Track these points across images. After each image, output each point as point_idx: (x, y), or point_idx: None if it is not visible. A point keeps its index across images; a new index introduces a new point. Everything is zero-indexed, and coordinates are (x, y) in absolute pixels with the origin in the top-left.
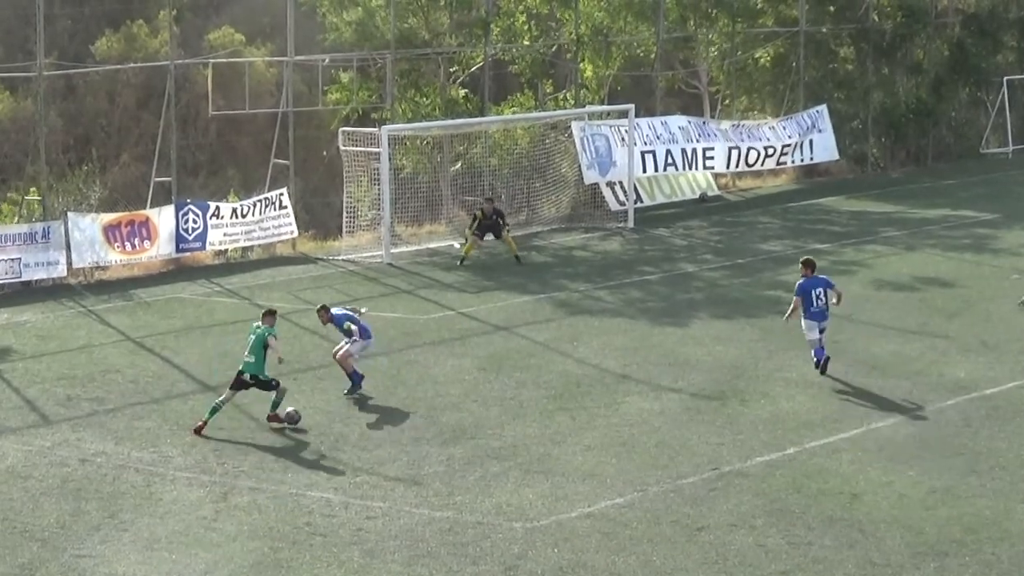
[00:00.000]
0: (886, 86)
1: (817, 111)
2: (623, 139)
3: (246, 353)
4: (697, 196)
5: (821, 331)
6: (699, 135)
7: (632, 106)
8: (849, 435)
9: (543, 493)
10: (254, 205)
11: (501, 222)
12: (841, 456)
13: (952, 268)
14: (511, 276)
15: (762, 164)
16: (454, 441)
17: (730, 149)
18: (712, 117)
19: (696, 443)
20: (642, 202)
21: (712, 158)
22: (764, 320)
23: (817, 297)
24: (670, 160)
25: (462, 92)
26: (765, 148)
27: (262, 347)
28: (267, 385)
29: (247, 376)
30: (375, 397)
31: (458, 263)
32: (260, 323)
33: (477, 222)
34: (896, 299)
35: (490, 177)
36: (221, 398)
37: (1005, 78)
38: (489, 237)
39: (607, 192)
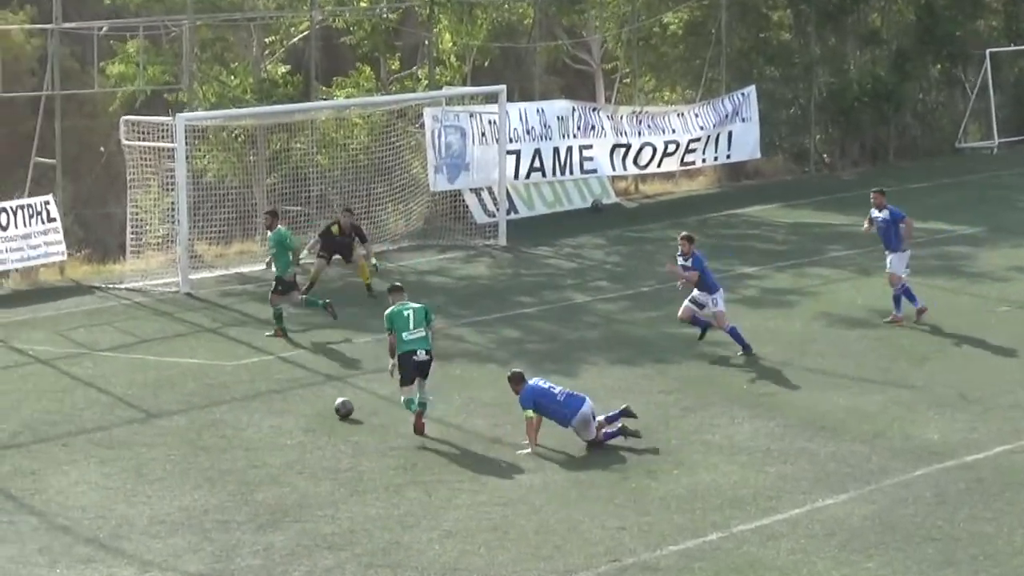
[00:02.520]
0: (833, 61)
1: (742, 94)
2: (484, 132)
3: (411, 328)
4: (589, 204)
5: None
6: (580, 127)
7: (503, 87)
8: (789, 516)
9: None
10: (13, 214)
11: (357, 240)
12: (779, 543)
13: (921, 298)
14: (349, 308)
15: (658, 165)
16: (273, 525)
17: (614, 147)
18: (608, 102)
19: (589, 527)
20: (517, 212)
21: (591, 159)
22: (677, 366)
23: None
24: (536, 164)
25: (281, 70)
26: (665, 144)
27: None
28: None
29: (422, 353)
30: (169, 467)
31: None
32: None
33: (322, 241)
34: (849, 338)
35: (318, 181)
36: (407, 397)
37: (988, 50)
38: (337, 258)
39: (471, 199)
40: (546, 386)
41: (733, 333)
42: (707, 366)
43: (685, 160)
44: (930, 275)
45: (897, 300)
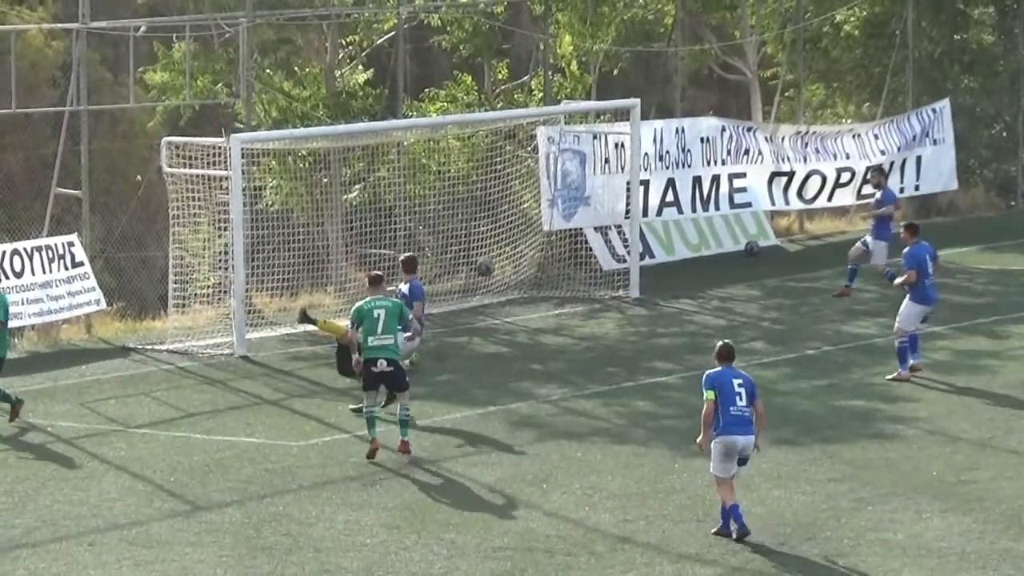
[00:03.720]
0: None
1: (933, 110)
2: (607, 159)
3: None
4: (743, 247)
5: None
6: (731, 151)
7: (637, 101)
8: None
9: None
10: (29, 257)
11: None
12: None
13: None
14: (439, 376)
15: (829, 198)
16: None
17: (773, 175)
18: (767, 119)
19: None
20: (653, 257)
21: (744, 190)
22: (850, 447)
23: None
24: (669, 197)
25: (361, 78)
26: (837, 172)
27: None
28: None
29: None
30: (220, 572)
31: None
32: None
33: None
34: None
35: (406, 216)
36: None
37: None
38: None
39: (596, 241)
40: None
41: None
42: (887, 447)
43: (863, 193)
44: None
45: None
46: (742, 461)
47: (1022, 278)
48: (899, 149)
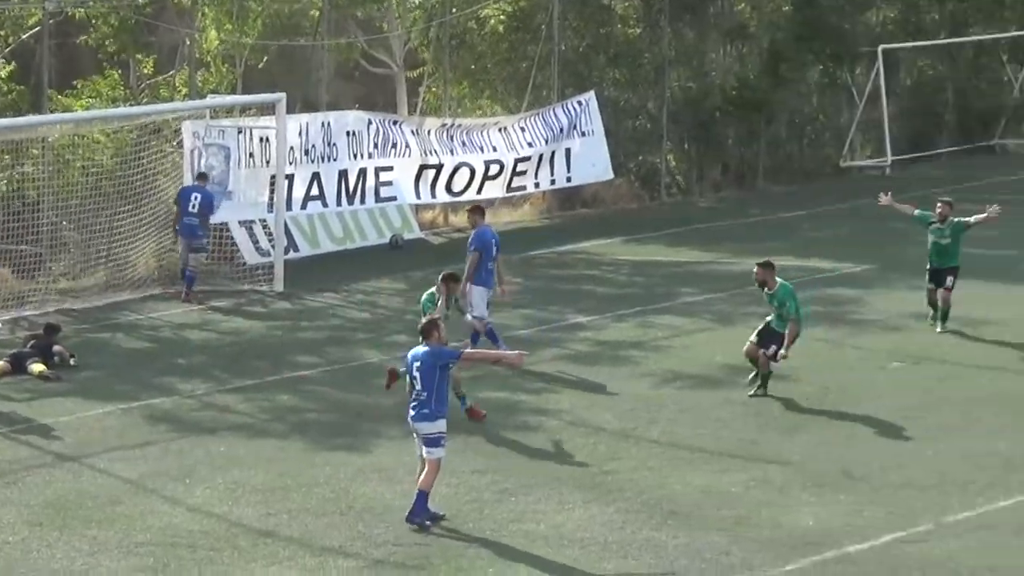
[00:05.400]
0: (691, 62)
1: (579, 103)
2: (252, 153)
3: None
4: (388, 241)
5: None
6: (378, 145)
7: (283, 96)
8: None
9: None
10: None
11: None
12: None
13: (796, 352)
14: (83, 372)
15: (479, 191)
16: None
17: (421, 168)
18: (413, 113)
19: None
20: (298, 251)
21: (390, 184)
22: (494, 439)
23: None
24: (314, 191)
25: (4, 72)
26: (486, 165)
27: None
28: None
29: None
30: None
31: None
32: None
33: None
34: (706, 404)
35: (51, 211)
36: None
37: (881, 47)
38: None
39: (240, 235)
40: None
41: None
42: (530, 438)
43: (513, 185)
44: (809, 324)
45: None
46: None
47: (665, 270)
48: (547, 142)
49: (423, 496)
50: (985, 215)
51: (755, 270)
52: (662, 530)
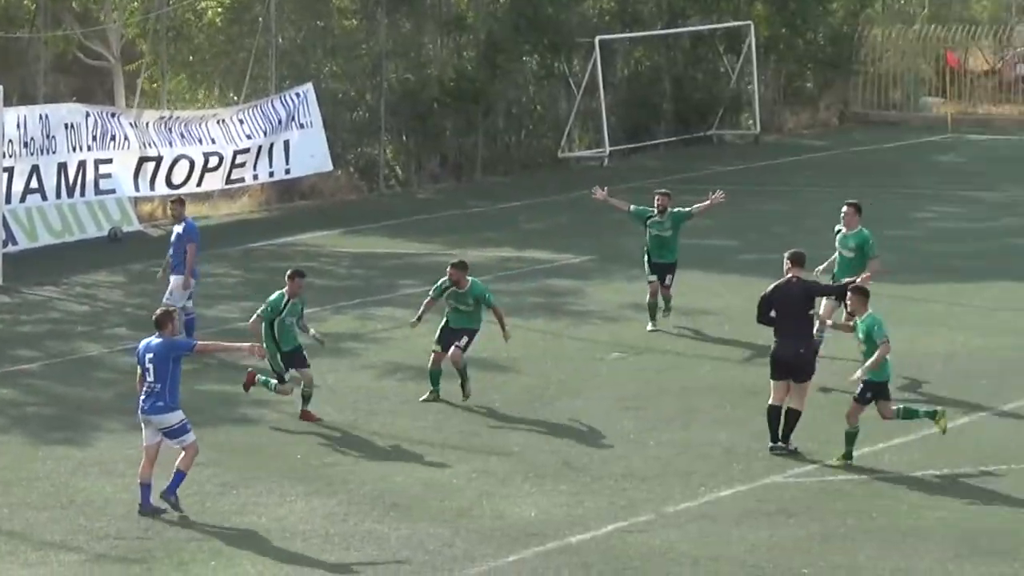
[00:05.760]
0: (408, 53)
1: (297, 95)
2: None
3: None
4: (107, 233)
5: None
6: (96, 138)
7: None
8: None
9: None
10: None
11: None
12: None
13: (514, 343)
14: None
15: (198, 183)
16: None
17: (141, 161)
18: (130, 106)
19: None
20: (16, 244)
21: (109, 176)
22: (214, 431)
23: None
24: (34, 184)
25: None
26: (205, 157)
27: None
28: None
29: None
30: None
31: None
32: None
33: None
34: (421, 393)
35: None
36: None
37: (598, 38)
38: None
39: None
40: None
41: None
42: (251, 431)
43: (232, 177)
44: (527, 315)
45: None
46: None
47: (385, 261)
48: (265, 134)
49: (181, 476)
50: (708, 202)
51: (448, 271)
52: (384, 522)
